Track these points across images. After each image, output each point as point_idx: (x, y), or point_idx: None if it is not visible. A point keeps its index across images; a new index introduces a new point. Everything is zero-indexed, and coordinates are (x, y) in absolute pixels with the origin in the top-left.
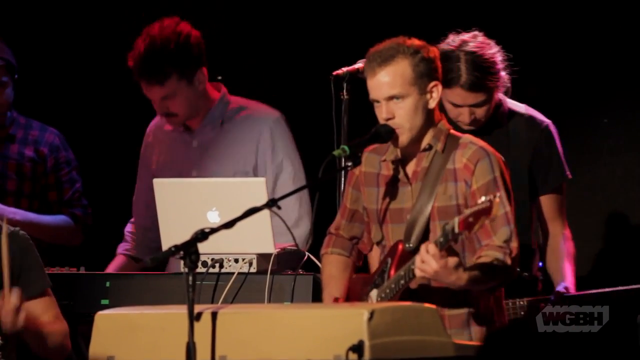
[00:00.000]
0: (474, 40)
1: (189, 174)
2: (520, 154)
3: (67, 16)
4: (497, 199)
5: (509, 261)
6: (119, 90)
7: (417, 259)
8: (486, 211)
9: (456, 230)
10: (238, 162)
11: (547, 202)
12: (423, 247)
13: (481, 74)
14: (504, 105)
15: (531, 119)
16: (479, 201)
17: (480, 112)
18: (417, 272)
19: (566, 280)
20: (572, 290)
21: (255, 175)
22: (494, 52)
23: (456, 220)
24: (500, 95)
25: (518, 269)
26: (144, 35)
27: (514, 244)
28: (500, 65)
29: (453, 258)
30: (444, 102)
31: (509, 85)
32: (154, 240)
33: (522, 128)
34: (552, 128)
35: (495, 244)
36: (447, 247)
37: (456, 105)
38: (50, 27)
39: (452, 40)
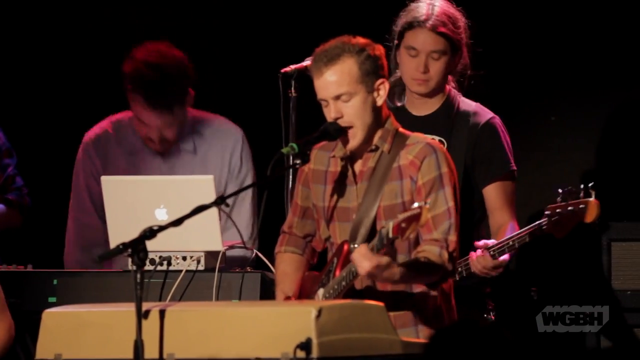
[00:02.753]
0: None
1: None
2: (457, 150)
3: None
4: (427, 206)
5: (445, 255)
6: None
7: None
8: (416, 217)
9: (390, 235)
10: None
11: (489, 194)
12: (355, 249)
13: (447, 22)
14: (456, 102)
15: (474, 114)
16: (412, 206)
17: (436, 66)
18: (359, 270)
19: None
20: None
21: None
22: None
23: (390, 224)
24: (453, 91)
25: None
26: (142, 60)
27: (452, 237)
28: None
29: (385, 258)
30: (399, 59)
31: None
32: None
33: (465, 125)
34: (496, 121)
35: (433, 237)
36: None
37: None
38: None
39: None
